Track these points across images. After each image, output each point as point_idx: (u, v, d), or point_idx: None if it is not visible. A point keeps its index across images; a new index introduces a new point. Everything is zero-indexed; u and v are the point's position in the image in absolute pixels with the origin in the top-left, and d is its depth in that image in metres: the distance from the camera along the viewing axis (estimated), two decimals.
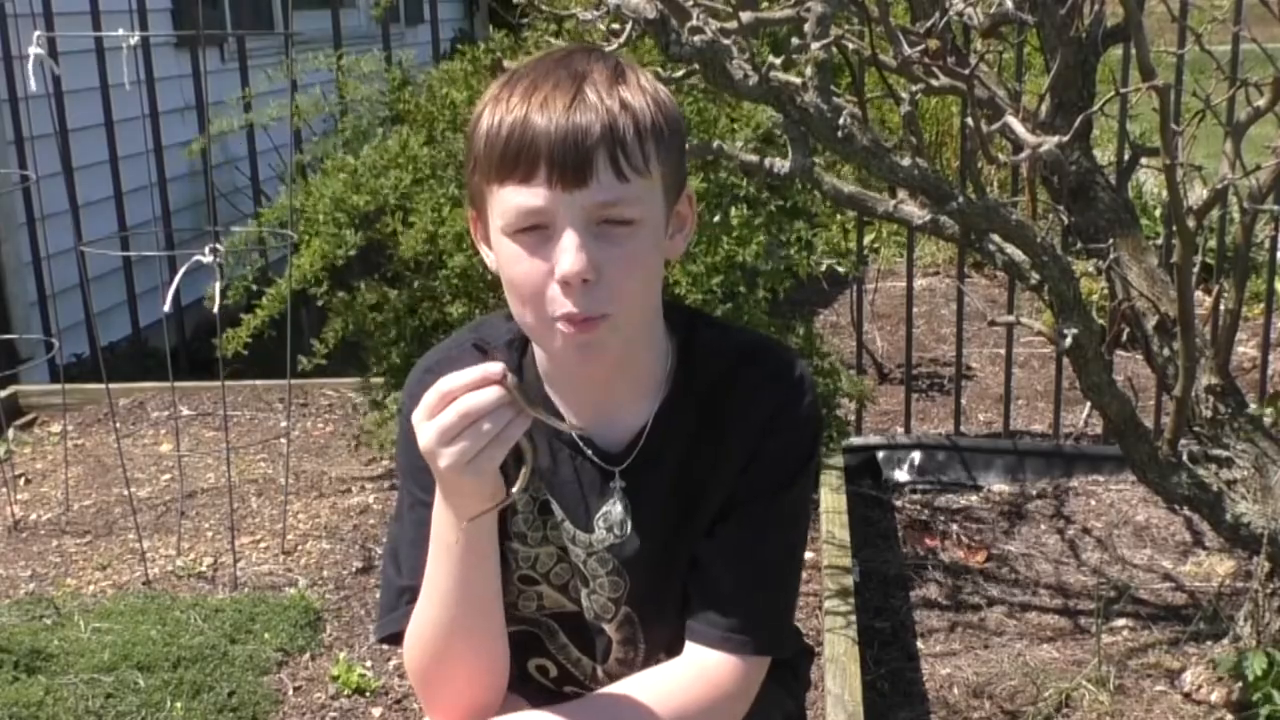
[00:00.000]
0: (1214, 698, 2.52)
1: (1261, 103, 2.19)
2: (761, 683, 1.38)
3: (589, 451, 1.37)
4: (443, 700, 1.36)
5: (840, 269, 3.31)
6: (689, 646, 1.36)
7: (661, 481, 1.37)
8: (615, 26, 2.18)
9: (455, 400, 1.17)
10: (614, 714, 1.33)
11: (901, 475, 3.74)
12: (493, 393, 1.17)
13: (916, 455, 3.75)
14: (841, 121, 2.09)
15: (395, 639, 1.37)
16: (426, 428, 1.18)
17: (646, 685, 1.35)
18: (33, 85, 3.12)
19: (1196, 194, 2.27)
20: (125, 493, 3.30)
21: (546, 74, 1.26)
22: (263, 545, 3.17)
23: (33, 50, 3.05)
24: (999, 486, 3.66)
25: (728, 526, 1.36)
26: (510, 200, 1.23)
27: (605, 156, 1.21)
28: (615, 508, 1.37)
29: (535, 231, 1.23)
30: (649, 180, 1.25)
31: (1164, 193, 2.66)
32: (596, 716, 1.34)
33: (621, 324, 1.26)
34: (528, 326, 1.30)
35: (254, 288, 3.28)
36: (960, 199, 2.17)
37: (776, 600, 1.39)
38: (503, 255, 1.26)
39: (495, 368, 1.18)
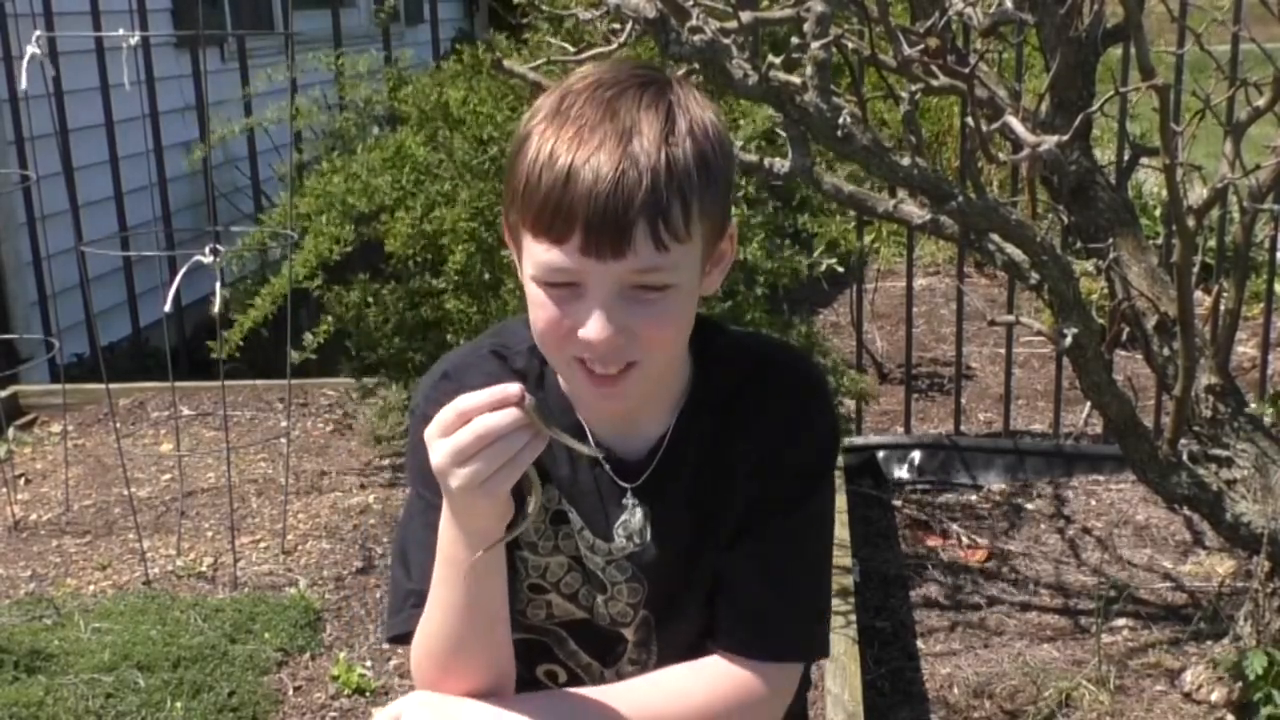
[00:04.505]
0: (1214, 697, 2.52)
1: (1261, 103, 2.19)
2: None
3: (607, 465, 1.36)
4: (449, 684, 1.35)
5: (839, 268, 3.31)
6: (719, 656, 1.35)
7: (680, 490, 1.37)
8: (615, 26, 2.18)
9: (471, 420, 1.15)
10: (644, 702, 1.33)
11: (902, 475, 3.74)
12: (510, 414, 1.15)
13: (916, 455, 3.76)
14: (841, 121, 2.09)
15: (403, 639, 1.37)
16: (440, 445, 1.16)
17: (676, 681, 1.35)
18: (24, 83, 3.12)
19: (1196, 194, 2.27)
20: (125, 493, 3.30)
21: (594, 125, 1.20)
22: (263, 545, 3.17)
23: (30, 49, 3.05)
24: (999, 486, 3.66)
25: (751, 536, 1.35)
26: (541, 256, 1.21)
27: (645, 228, 1.18)
28: (635, 516, 1.37)
29: (564, 287, 1.21)
30: (689, 244, 1.22)
31: (1164, 192, 2.66)
32: (626, 701, 1.33)
33: (649, 371, 1.25)
34: (548, 356, 1.30)
35: (258, 290, 3.28)
36: (960, 198, 2.17)
37: (803, 607, 1.38)
38: (529, 295, 1.25)
39: (514, 388, 1.15)
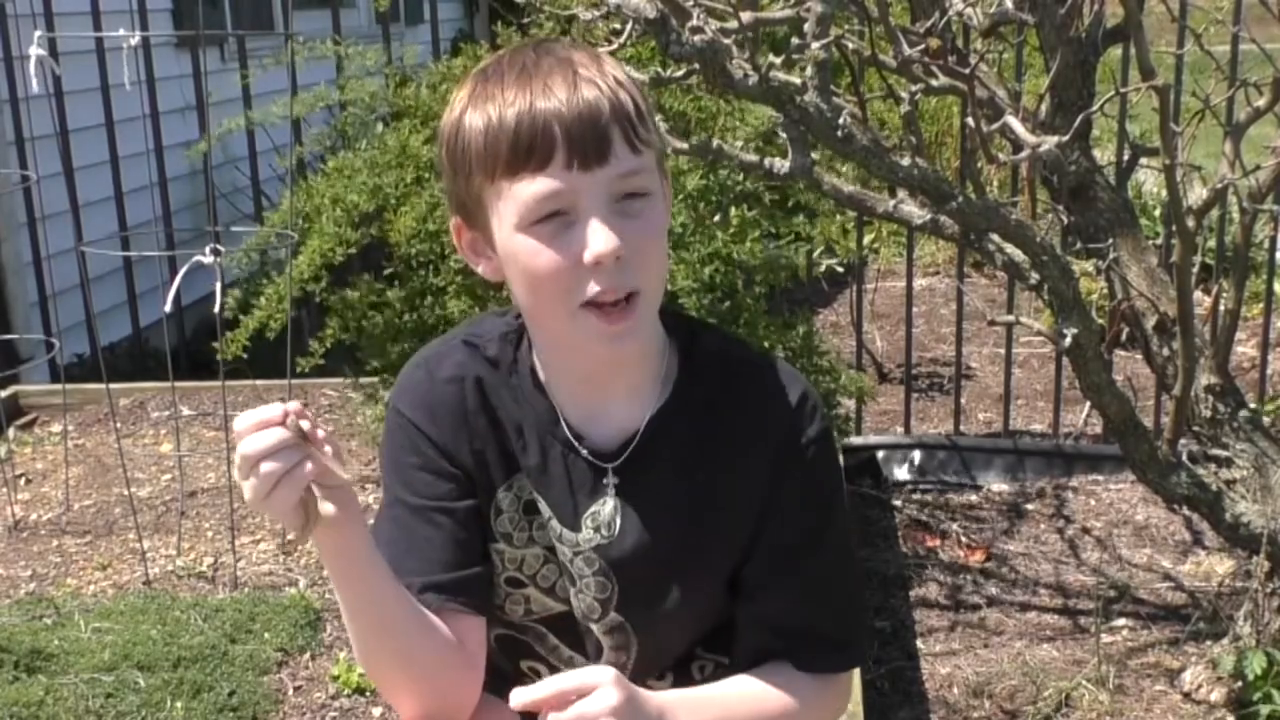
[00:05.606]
0: (1214, 697, 2.52)
1: (1261, 103, 2.20)
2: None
3: (582, 449, 1.35)
4: (396, 699, 1.37)
5: (839, 269, 3.32)
6: (786, 679, 1.37)
7: (658, 486, 1.35)
8: (616, 26, 2.19)
9: (240, 441, 1.17)
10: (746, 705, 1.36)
11: (901, 475, 3.74)
12: (272, 435, 1.16)
13: (916, 455, 3.76)
14: (841, 121, 2.10)
15: None
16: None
17: (768, 695, 1.37)
18: (35, 87, 3.12)
19: (1196, 194, 2.27)
20: (125, 493, 3.30)
21: (532, 64, 1.25)
22: (263, 545, 3.17)
23: (34, 51, 3.05)
24: (999, 486, 3.66)
25: (787, 559, 1.36)
26: (527, 190, 1.22)
27: (619, 131, 1.22)
28: (605, 507, 1.35)
29: (554, 220, 1.22)
30: (652, 152, 1.26)
31: (1164, 193, 2.66)
32: (737, 701, 1.36)
33: (651, 298, 1.27)
34: (552, 321, 1.28)
35: (262, 290, 3.27)
36: (960, 199, 2.17)
37: (850, 617, 1.43)
38: (519, 252, 1.24)
39: (276, 409, 1.17)
